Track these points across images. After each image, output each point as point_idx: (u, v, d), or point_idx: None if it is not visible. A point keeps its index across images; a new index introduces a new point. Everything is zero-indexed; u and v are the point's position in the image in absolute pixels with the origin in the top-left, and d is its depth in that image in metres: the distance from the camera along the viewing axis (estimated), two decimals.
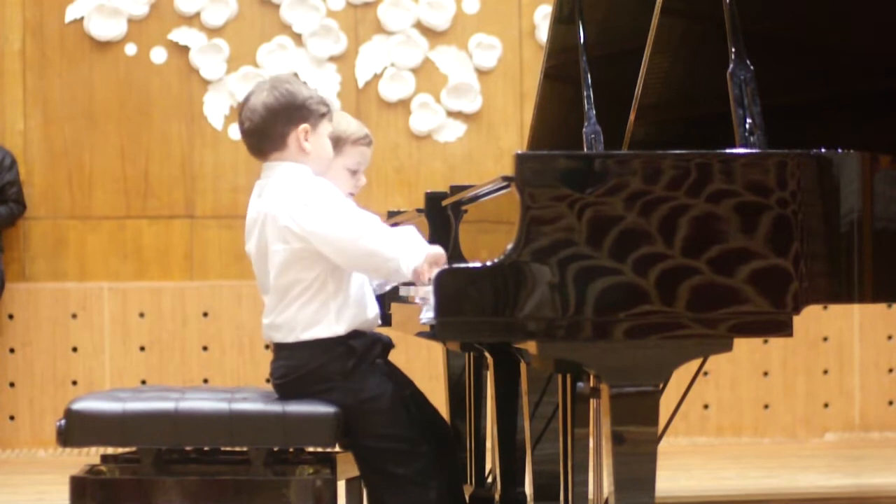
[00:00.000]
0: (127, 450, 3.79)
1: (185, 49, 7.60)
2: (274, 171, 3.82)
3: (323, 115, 3.83)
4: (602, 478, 3.72)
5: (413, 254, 3.59)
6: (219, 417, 3.69)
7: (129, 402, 3.73)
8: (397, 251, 3.61)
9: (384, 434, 3.76)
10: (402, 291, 4.20)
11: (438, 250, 3.61)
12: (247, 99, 3.82)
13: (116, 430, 3.69)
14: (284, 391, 3.79)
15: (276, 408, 3.71)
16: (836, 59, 3.85)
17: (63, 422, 3.71)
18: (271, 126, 3.79)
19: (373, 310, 3.88)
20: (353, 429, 3.77)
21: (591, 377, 3.72)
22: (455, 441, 4.69)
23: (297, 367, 3.78)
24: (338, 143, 4.05)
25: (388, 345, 3.91)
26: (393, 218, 5.21)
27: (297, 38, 7.65)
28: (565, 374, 3.91)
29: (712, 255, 3.27)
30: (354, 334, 3.78)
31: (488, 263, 3.24)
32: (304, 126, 3.79)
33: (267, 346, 4.10)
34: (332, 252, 3.69)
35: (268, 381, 3.91)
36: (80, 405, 3.74)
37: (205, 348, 7.53)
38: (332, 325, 3.76)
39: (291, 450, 3.79)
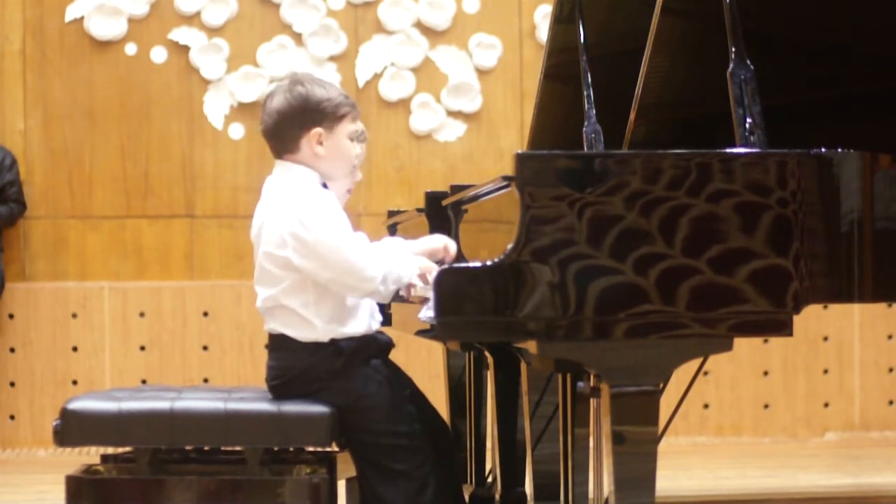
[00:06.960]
0: (125, 450, 3.79)
1: (186, 49, 7.59)
2: (283, 172, 3.82)
3: (342, 117, 3.80)
4: (602, 478, 3.71)
5: (401, 271, 3.69)
6: (214, 417, 3.68)
7: (126, 401, 3.72)
8: (378, 270, 3.67)
9: (381, 430, 3.75)
10: (403, 291, 4.19)
11: (429, 264, 3.72)
12: (266, 101, 3.85)
13: (112, 430, 3.69)
14: (279, 393, 3.79)
15: (272, 407, 3.70)
16: (837, 58, 3.84)
17: (59, 421, 3.71)
18: (284, 130, 3.80)
19: (364, 321, 3.83)
20: (350, 426, 3.76)
21: (592, 377, 3.71)
22: (455, 441, 4.69)
23: (288, 369, 3.78)
24: None
25: (388, 344, 3.90)
26: (393, 218, 5.21)
27: (298, 37, 7.64)
28: (565, 374, 3.90)
29: (712, 254, 3.27)
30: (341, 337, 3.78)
31: (488, 263, 3.23)
32: (316, 130, 3.78)
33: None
34: (315, 263, 3.69)
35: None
36: (76, 405, 3.73)
37: (205, 348, 7.53)
38: (310, 330, 3.75)
39: (291, 449, 3.79)
